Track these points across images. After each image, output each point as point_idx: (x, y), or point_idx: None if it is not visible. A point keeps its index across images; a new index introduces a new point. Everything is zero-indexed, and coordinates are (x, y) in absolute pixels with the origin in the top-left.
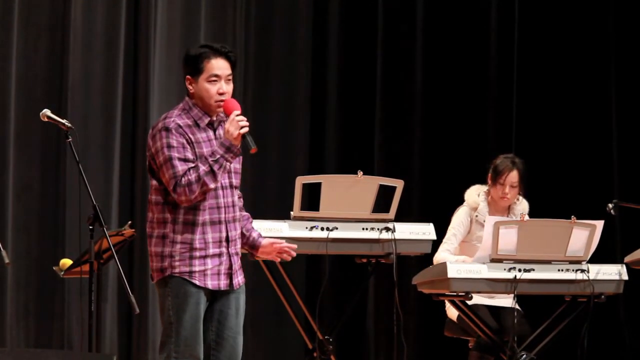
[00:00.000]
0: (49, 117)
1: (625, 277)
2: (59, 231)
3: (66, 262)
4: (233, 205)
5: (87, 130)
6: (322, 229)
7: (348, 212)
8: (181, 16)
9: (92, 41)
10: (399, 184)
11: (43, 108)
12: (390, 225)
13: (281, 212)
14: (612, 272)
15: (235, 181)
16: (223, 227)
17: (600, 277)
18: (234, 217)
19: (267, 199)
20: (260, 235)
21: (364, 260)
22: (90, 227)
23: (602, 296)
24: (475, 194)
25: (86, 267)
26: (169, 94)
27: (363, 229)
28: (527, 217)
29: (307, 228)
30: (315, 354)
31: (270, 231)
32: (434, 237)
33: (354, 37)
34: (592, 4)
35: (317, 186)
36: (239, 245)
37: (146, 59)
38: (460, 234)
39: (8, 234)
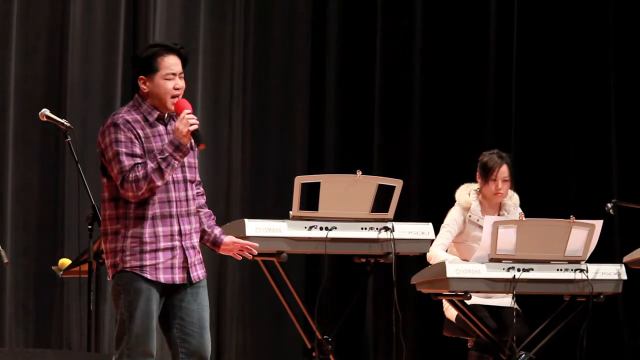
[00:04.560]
0: (48, 117)
1: (624, 276)
2: (58, 231)
3: (65, 261)
4: (187, 200)
5: (86, 130)
6: (321, 228)
7: (347, 212)
8: (180, 16)
9: (91, 41)
10: (397, 184)
11: (42, 108)
12: (389, 224)
13: (280, 212)
14: (611, 271)
15: (190, 175)
16: (175, 220)
17: (599, 276)
18: (188, 212)
19: (266, 199)
20: (222, 233)
21: (363, 260)
22: (89, 226)
23: (601, 296)
24: (465, 194)
25: (85, 267)
26: None
27: (362, 228)
28: (519, 210)
29: (306, 228)
30: (314, 354)
31: (269, 231)
32: (433, 236)
33: (353, 37)
34: (592, 3)
35: (316, 186)
36: (195, 240)
37: None
38: (454, 231)
39: (7, 233)
